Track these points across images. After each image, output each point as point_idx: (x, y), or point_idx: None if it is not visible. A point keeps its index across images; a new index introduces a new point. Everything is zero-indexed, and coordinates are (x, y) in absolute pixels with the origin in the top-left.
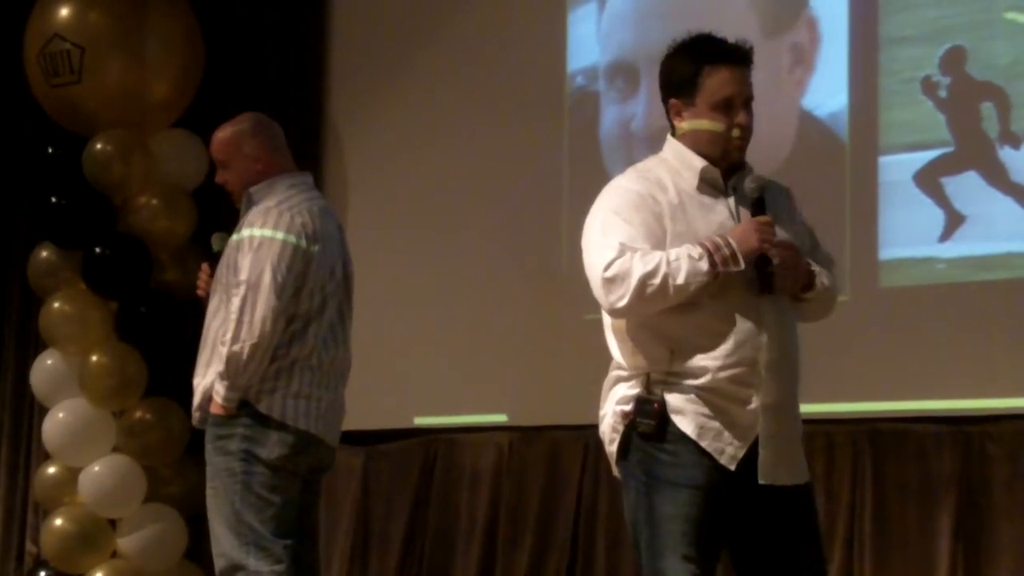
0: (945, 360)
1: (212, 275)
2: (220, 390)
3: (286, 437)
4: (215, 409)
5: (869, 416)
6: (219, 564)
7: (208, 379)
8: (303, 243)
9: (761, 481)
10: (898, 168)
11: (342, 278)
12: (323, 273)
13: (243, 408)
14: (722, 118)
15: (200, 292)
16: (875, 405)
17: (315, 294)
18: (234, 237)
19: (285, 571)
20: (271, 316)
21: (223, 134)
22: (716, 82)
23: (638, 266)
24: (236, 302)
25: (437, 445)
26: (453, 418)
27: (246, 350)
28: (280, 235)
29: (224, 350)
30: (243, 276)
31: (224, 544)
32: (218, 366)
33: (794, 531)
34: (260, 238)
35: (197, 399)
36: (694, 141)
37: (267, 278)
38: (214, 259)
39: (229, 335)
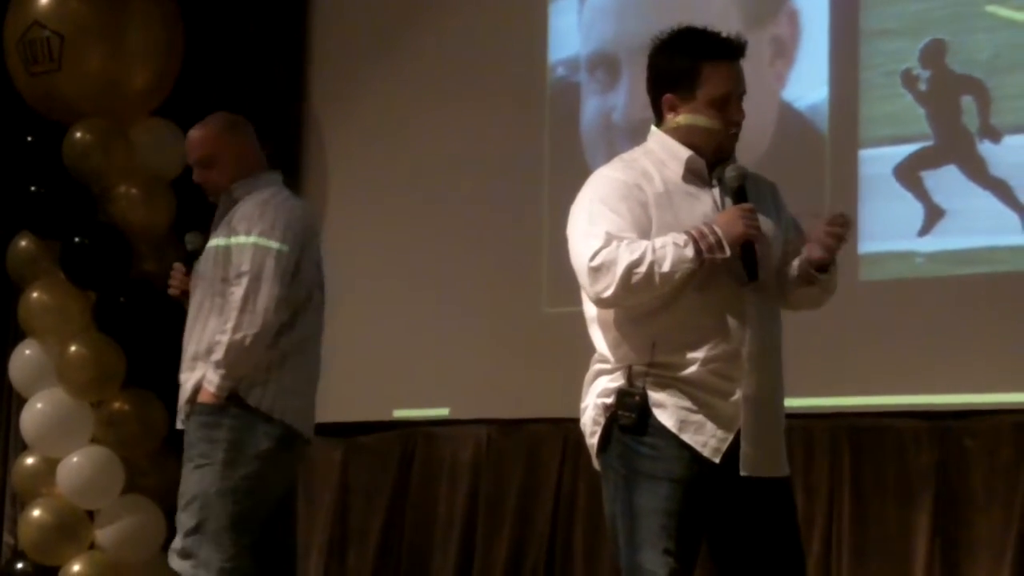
0: (924, 355)
1: (187, 274)
2: (214, 379)
3: (272, 431)
4: (205, 397)
5: (848, 411)
6: (175, 544)
7: (197, 373)
8: (296, 245)
9: (743, 473)
10: (878, 161)
11: (321, 276)
12: (311, 266)
13: (231, 400)
14: (718, 115)
15: (173, 292)
16: (854, 400)
17: (300, 290)
18: (222, 242)
19: (236, 569)
20: (273, 304)
21: (205, 132)
22: (716, 78)
23: (624, 255)
24: (239, 292)
25: (416, 438)
26: (432, 411)
27: (249, 339)
28: (275, 245)
29: (225, 339)
30: (245, 267)
31: (184, 528)
32: (216, 354)
33: (773, 524)
34: (254, 246)
35: (186, 395)
36: (687, 135)
37: (270, 266)
38: (188, 258)
39: (231, 324)
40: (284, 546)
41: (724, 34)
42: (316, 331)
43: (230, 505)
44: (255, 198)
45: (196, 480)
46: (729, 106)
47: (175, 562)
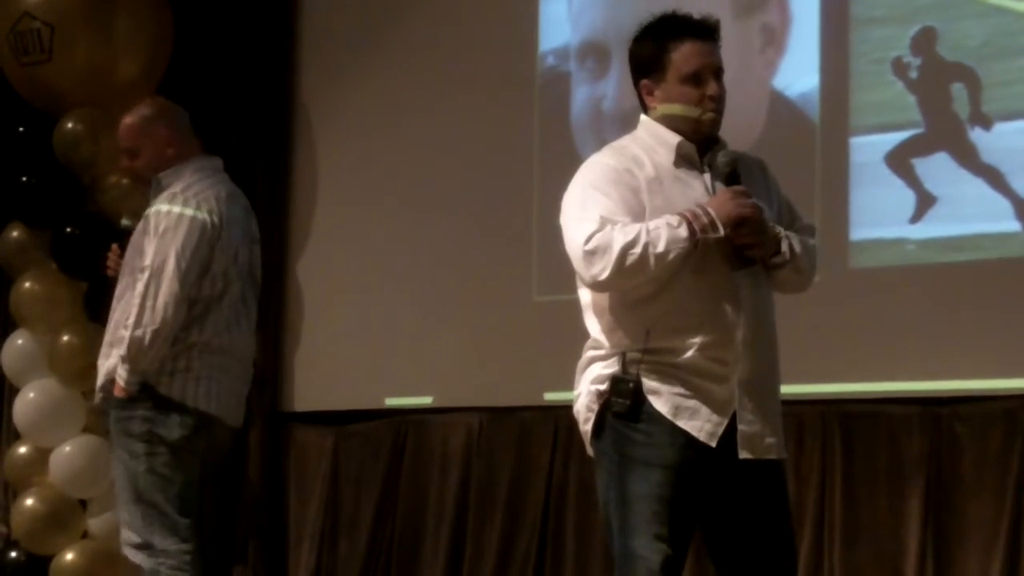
0: (915, 341)
1: (122, 256)
2: (122, 373)
3: (186, 419)
4: (117, 392)
5: (839, 397)
6: (127, 539)
7: (111, 361)
8: (208, 226)
9: (741, 455)
10: (869, 149)
11: (246, 263)
12: (227, 258)
13: (144, 391)
14: (692, 92)
15: (109, 272)
16: (845, 386)
17: (217, 280)
18: (141, 228)
19: (191, 550)
20: (173, 302)
21: (131, 120)
22: (682, 56)
23: (619, 237)
24: (140, 287)
25: (407, 426)
26: (423, 399)
27: (148, 335)
28: (189, 211)
29: (127, 334)
30: (147, 261)
31: (132, 524)
32: (121, 349)
33: (766, 508)
34: (166, 222)
35: (100, 380)
36: (669, 123)
37: (171, 265)
38: (123, 238)
39: (132, 320)
40: (205, 536)
41: (691, 15)
42: (239, 319)
43: (162, 491)
44: (175, 188)
45: (123, 474)
46: (702, 82)
47: (133, 555)
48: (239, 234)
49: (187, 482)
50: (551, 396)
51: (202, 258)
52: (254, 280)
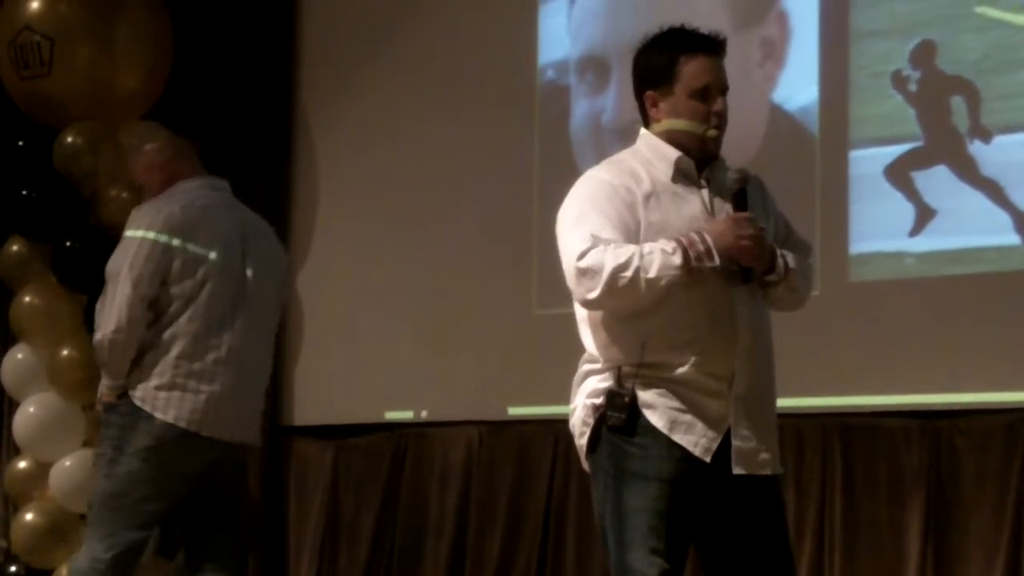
0: (915, 354)
1: None
2: (104, 379)
3: (153, 429)
4: (104, 397)
5: (839, 410)
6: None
7: None
8: (162, 237)
9: (735, 471)
10: (868, 162)
11: (238, 272)
12: (195, 263)
13: (122, 397)
14: (700, 107)
15: None
16: (845, 399)
17: (186, 283)
18: None
19: (108, 560)
20: (126, 304)
21: (136, 159)
22: (693, 70)
23: (610, 259)
24: (101, 297)
25: (407, 438)
26: (423, 412)
27: (107, 337)
28: (139, 233)
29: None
30: (107, 271)
31: (88, 519)
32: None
33: (762, 523)
34: (124, 237)
35: (99, 391)
36: (670, 137)
37: (124, 270)
38: None
39: (96, 324)
40: (207, 549)
41: (701, 30)
42: (223, 326)
43: (111, 500)
44: (149, 203)
45: (95, 476)
46: (709, 98)
47: None
48: (216, 241)
49: (147, 496)
50: (551, 409)
51: (158, 262)
52: (245, 291)
